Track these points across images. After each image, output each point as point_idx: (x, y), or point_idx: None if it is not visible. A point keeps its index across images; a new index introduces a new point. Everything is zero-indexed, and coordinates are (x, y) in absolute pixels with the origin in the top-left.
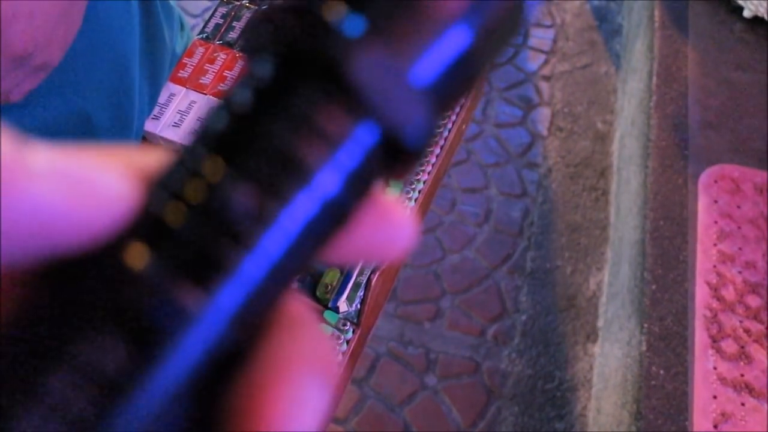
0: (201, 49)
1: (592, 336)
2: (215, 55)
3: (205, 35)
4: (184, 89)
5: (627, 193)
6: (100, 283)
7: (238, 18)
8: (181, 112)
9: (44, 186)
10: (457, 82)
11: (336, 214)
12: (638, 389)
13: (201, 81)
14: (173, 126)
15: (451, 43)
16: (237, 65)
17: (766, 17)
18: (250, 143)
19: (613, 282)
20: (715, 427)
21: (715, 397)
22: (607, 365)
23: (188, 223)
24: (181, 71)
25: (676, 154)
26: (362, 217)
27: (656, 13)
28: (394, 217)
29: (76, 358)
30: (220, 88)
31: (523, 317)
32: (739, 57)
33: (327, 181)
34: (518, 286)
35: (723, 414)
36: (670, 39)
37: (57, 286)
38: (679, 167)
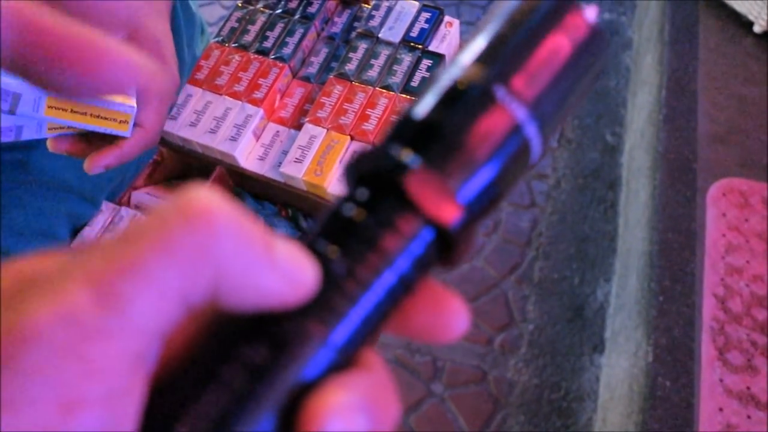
0: (217, 52)
1: (599, 346)
2: (230, 57)
3: (220, 38)
4: (201, 90)
5: (635, 205)
6: (264, 317)
7: (252, 22)
8: (197, 112)
9: (277, 276)
10: (487, 200)
11: (406, 286)
12: (644, 400)
13: (216, 82)
14: (190, 126)
15: (483, 176)
16: (251, 67)
17: None
18: (355, 238)
19: (620, 293)
20: None
21: (721, 410)
22: (614, 376)
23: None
24: (197, 73)
25: (685, 167)
26: (423, 300)
27: (666, 27)
28: (453, 306)
29: (241, 354)
30: (235, 89)
31: (531, 327)
32: (749, 71)
33: (402, 263)
34: (526, 295)
35: (729, 426)
36: (680, 53)
37: (240, 321)
38: (688, 180)
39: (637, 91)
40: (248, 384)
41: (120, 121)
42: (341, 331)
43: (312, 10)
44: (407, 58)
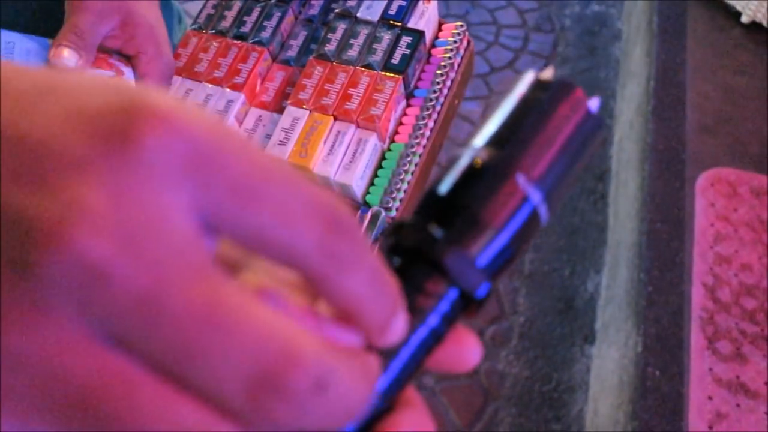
0: (194, 39)
1: (589, 338)
2: (208, 44)
3: (197, 26)
4: (180, 78)
5: (625, 197)
6: None
7: (228, 8)
8: None
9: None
10: (501, 264)
11: (437, 337)
12: (634, 390)
13: (196, 69)
14: None
15: (500, 245)
16: (230, 52)
17: (763, 23)
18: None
19: (610, 284)
20: (710, 427)
21: (710, 398)
22: (604, 367)
23: None
24: (176, 62)
25: (674, 157)
26: (450, 340)
27: (655, 18)
28: (469, 342)
29: None
30: (214, 75)
31: (521, 319)
32: (737, 62)
33: (432, 319)
34: (516, 288)
35: (718, 415)
36: (668, 44)
37: None
38: (677, 171)
39: (626, 82)
40: None
41: None
42: (384, 380)
43: None
44: (387, 36)
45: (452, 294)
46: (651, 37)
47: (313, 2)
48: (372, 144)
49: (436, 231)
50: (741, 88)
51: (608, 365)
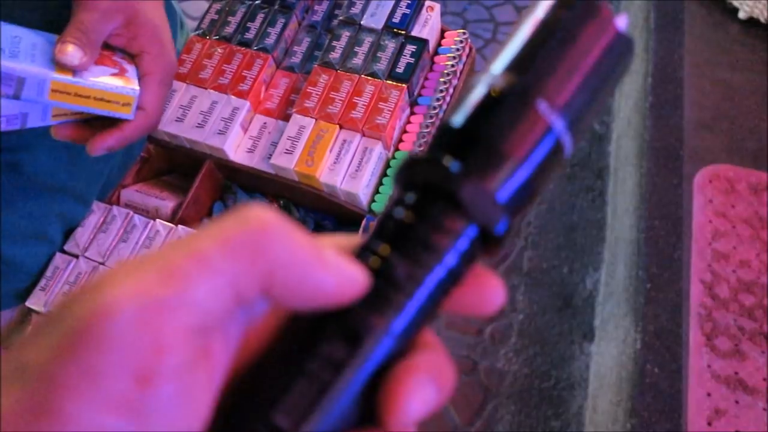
0: (198, 45)
1: (588, 335)
2: (212, 50)
3: (201, 31)
4: (185, 84)
5: (623, 193)
6: (331, 315)
7: (232, 13)
8: (183, 107)
9: (330, 275)
10: (526, 199)
11: (455, 277)
12: (633, 387)
13: (200, 76)
14: (176, 121)
15: (522, 179)
16: (234, 59)
17: (761, 19)
18: (407, 238)
19: (609, 281)
20: (709, 424)
21: (709, 395)
22: (603, 364)
23: (371, 281)
24: (180, 67)
25: (672, 154)
26: (471, 281)
27: (652, 14)
28: (492, 283)
29: (322, 351)
30: (219, 82)
31: (520, 316)
32: (734, 58)
33: (450, 259)
34: (515, 285)
35: (717, 411)
36: (665, 41)
37: (310, 320)
38: (675, 167)
39: (624, 79)
40: (334, 376)
41: (123, 104)
42: (401, 322)
43: None
44: (391, 45)
45: (471, 231)
46: (648, 34)
47: (316, 8)
48: (377, 152)
49: (453, 164)
50: (738, 85)
51: (607, 362)
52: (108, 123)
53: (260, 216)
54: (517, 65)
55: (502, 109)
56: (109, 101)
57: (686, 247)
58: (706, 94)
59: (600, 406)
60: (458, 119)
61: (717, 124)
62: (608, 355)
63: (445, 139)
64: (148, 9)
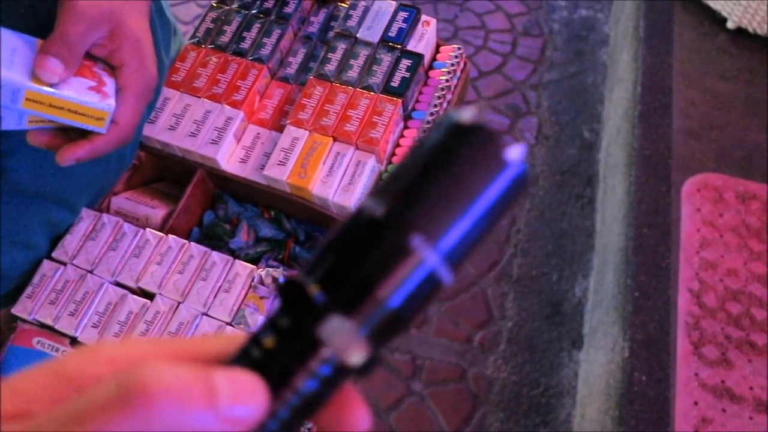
0: (193, 54)
1: (577, 343)
2: (207, 58)
3: (196, 40)
4: (178, 93)
5: (612, 201)
6: None
7: (228, 22)
8: (176, 115)
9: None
10: (390, 332)
11: (315, 400)
12: (621, 395)
13: (194, 84)
14: (169, 129)
15: (385, 310)
16: (229, 68)
17: (749, 29)
18: (272, 363)
19: (598, 289)
20: None
21: (696, 403)
22: (592, 372)
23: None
24: (174, 75)
25: (660, 162)
26: (335, 403)
27: (642, 23)
28: (355, 409)
29: None
30: (213, 91)
31: (509, 324)
32: (723, 68)
33: (308, 384)
34: (504, 292)
35: (704, 420)
36: (655, 49)
37: None
38: (663, 176)
39: (613, 87)
40: None
41: (97, 119)
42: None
43: (288, 10)
44: (386, 58)
45: (332, 358)
46: (638, 43)
47: (312, 19)
48: (370, 166)
49: (319, 295)
50: (726, 94)
51: (596, 370)
52: (84, 133)
53: (143, 389)
54: (397, 193)
55: (375, 240)
56: (83, 114)
57: (674, 256)
58: (694, 103)
59: (588, 414)
60: (333, 245)
61: (705, 133)
62: (596, 363)
63: (319, 264)
64: (133, 21)
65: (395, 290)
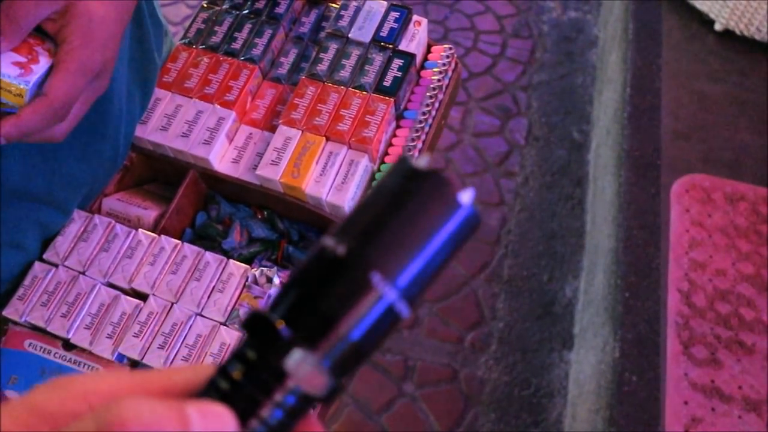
0: (184, 54)
1: (567, 343)
2: (198, 59)
3: (187, 40)
4: (170, 93)
5: (602, 202)
6: None
7: (219, 23)
8: (167, 116)
9: None
10: (352, 364)
11: (283, 426)
12: (611, 395)
13: (186, 85)
14: (160, 130)
15: (346, 343)
16: (221, 68)
17: (736, 30)
18: (236, 394)
19: (588, 289)
20: (686, 431)
21: (686, 403)
22: (582, 372)
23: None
24: (165, 76)
25: (649, 163)
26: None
27: (630, 25)
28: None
29: None
30: (205, 91)
31: (500, 324)
32: (711, 69)
33: (276, 414)
34: (495, 293)
35: (694, 419)
36: (643, 51)
37: None
38: (652, 177)
39: (602, 88)
40: None
41: (15, 95)
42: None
43: (279, 10)
44: (378, 58)
45: (296, 392)
46: (627, 44)
47: (303, 19)
48: (363, 165)
49: (284, 329)
50: (714, 95)
51: (586, 370)
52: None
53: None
54: (357, 233)
55: (336, 277)
56: (2, 89)
57: (664, 256)
58: (683, 105)
59: (579, 414)
60: (297, 281)
61: (694, 134)
62: (587, 363)
63: (283, 300)
64: (92, 4)
65: (356, 324)
